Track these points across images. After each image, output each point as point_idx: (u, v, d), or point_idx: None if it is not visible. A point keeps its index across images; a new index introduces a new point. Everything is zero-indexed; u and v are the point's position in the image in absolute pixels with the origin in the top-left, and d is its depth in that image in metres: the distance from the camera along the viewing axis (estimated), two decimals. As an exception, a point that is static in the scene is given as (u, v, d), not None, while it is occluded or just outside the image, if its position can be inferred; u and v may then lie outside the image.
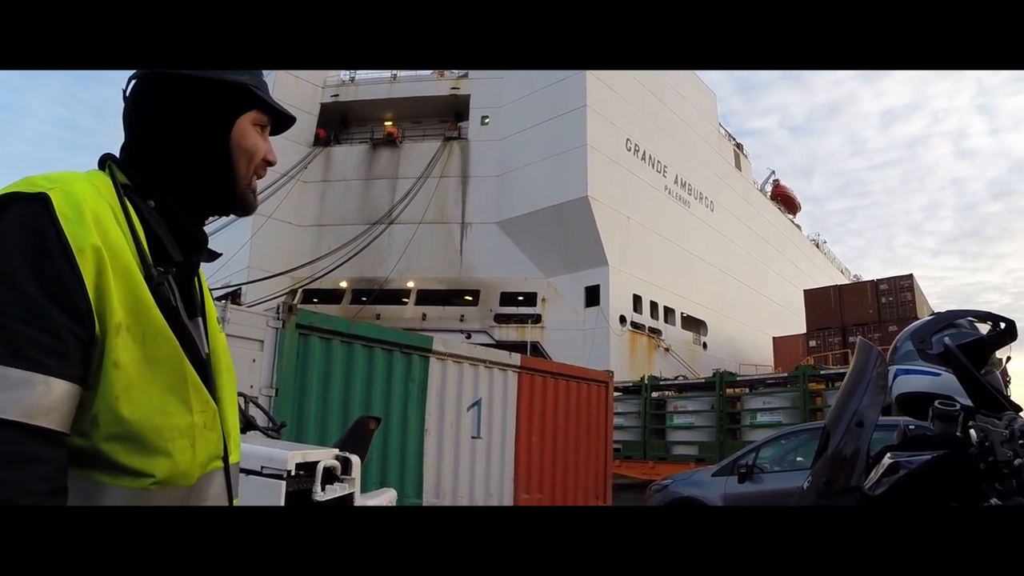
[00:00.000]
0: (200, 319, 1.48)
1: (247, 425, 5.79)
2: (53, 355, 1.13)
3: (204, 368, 1.40)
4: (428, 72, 48.95)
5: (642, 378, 24.44)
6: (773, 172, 67.12)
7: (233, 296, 30.30)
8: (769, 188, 63.66)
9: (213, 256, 1.61)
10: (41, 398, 1.11)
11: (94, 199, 1.27)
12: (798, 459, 11.52)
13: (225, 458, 1.43)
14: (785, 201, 64.78)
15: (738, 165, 53.07)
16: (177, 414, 1.26)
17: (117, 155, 1.46)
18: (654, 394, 23.30)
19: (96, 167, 1.44)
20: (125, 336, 1.20)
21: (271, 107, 1.58)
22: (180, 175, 1.47)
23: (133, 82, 1.48)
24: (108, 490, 1.21)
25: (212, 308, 1.58)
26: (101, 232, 1.22)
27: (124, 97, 1.47)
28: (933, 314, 3.33)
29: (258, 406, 7.24)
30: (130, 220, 1.31)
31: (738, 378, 22.42)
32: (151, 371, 1.24)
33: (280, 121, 1.64)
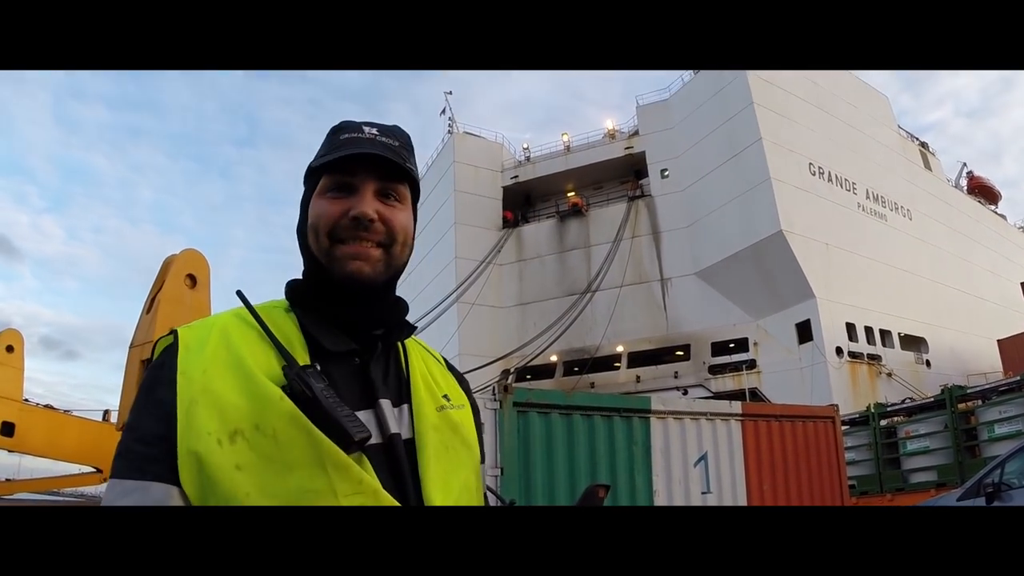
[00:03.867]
0: (386, 401, 1.50)
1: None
2: (153, 463, 1.30)
3: (392, 450, 1.44)
4: (599, 137, 49.47)
5: (868, 407, 23.41)
6: (965, 164, 62.86)
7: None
8: (964, 182, 59.60)
9: (409, 330, 1.66)
10: (144, 501, 1.29)
11: (231, 324, 1.47)
12: (1049, 468, 10.73)
13: None
14: (984, 192, 60.24)
15: (927, 165, 50.04)
16: (320, 501, 1.31)
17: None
18: (883, 422, 22.14)
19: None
20: (252, 436, 1.31)
21: (336, 161, 1.52)
22: (305, 276, 1.60)
23: None
24: None
25: (425, 387, 1.60)
26: (228, 350, 1.41)
27: None
28: None
29: (487, 488, 7.38)
30: (269, 332, 1.44)
31: (968, 391, 20.85)
32: (286, 463, 1.31)
33: (375, 163, 1.53)
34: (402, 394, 1.56)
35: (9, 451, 23.81)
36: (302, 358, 1.44)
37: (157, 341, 1.47)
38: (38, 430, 23.22)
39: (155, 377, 1.39)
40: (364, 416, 1.43)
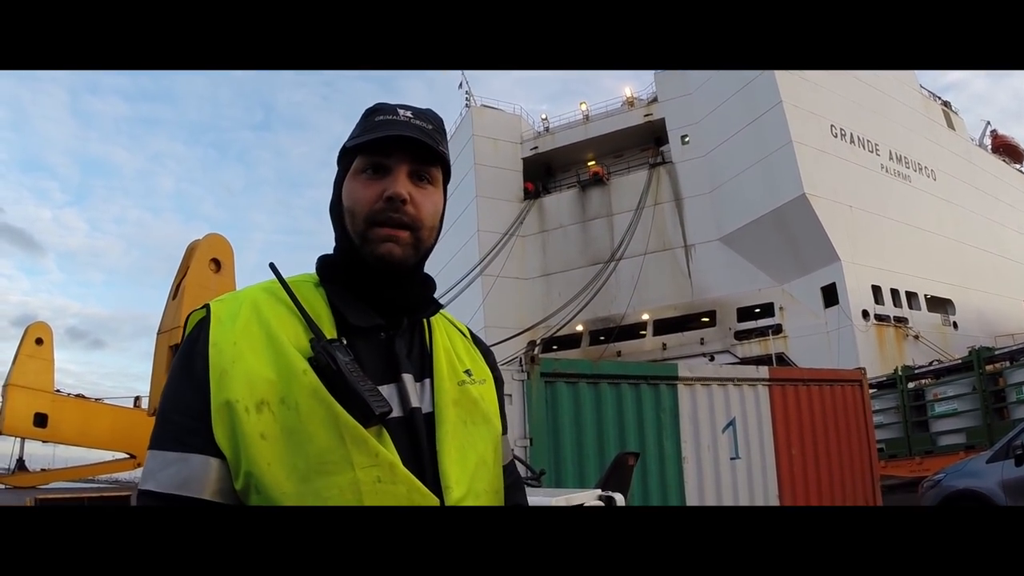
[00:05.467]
0: (408, 376, 1.54)
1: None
2: (193, 435, 1.36)
3: (411, 423, 1.48)
4: (618, 105, 49.22)
5: (895, 370, 23.30)
6: (989, 123, 61.43)
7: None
8: (988, 141, 58.23)
9: (436, 308, 1.69)
10: (183, 472, 1.34)
11: (260, 298, 1.50)
12: (1078, 429, 10.63)
13: None
14: (1009, 151, 59.02)
15: (950, 124, 49.00)
16: (336, 472, 1.35)
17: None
18: (910, 385, 22.06)
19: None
20: (278, 408, 1.36)
21: (371, 143, 1.54)
22: (336, 253, 1.64)
23: None
24: None
25: (447, 362, 1.64)
26: (259, 324, 1.45)
27: None
28: None
29: (516, 458, 7.39)
30: (299, 306, 1.48)
31: (996, 352, 20.74)
32: (307, 434, 1.36)
33: (409, 145, 1.54)
34: (424, 369, 1.60)
35: (43, 441, 24.16)
36: (329, 332, 1.48)
37: (189, 315, 1.51)
38: (71, 420, 23.52)
39: (190, 349, 1.44)
40: (387, 390, 1.47)
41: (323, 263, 1.63)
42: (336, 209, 1.61)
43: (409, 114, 1.59)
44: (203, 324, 1.46)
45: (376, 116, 1.59)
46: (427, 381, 1.58)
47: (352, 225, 1.55)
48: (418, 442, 1.48)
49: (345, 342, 1.46)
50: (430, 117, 1.62)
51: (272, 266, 1.58)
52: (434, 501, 1.43)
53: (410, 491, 1.40)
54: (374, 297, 1.56)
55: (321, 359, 1.40)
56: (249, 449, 1.34)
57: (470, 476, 1.53)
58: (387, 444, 1.41)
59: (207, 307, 1.49)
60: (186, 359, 1.43)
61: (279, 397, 1.37)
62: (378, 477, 1.38)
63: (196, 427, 1.36)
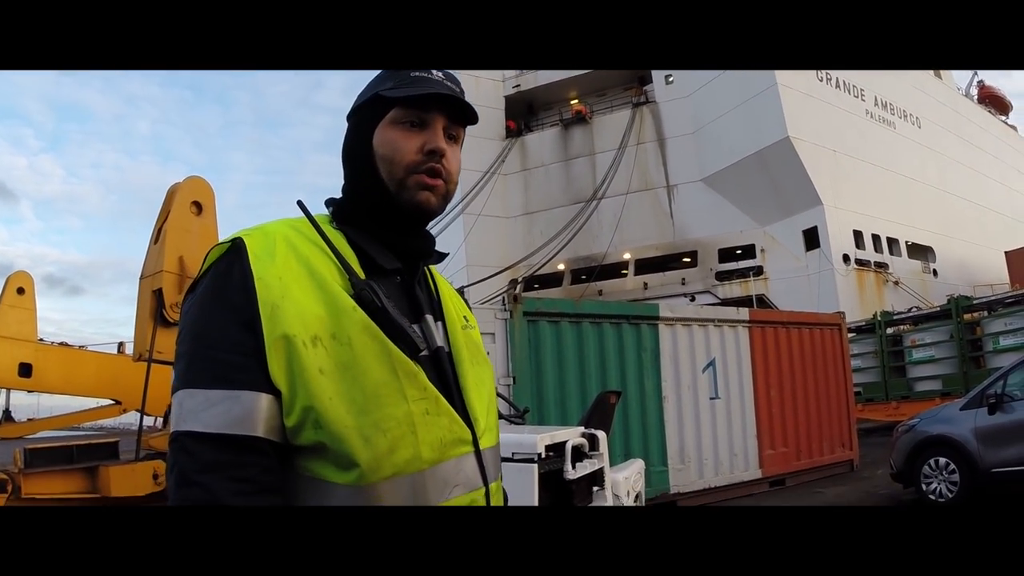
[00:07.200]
0: (430, 316, 1.61)
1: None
2: (242, 371, 1.33)
3: (438, 361, 1.56)
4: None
5: (874, 315, 23.54)
6: (976, 73, 60.83)
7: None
8: (975, 91, 58.24)
9: (440, 257, 1.75)
10: (235, 410, 1.31)
11: (291, 235, 1.49)
12: (1052, 381, 10.77)
13: (476, 443, 1.55)
14: (994, 102, 59.02)
15: (937, 73, 48.41)
16: (391, 404, 1.40)
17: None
18: (889, 330, 22.34)
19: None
20: (329, 344, 1.38)
21: (415, 97, 1.58)
22: (355, 197, 1.67)
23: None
24: (334, 487, 1.38)
25: (452, 308, 1.74)
26: (297, 260, 1.44)
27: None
28: None
29: (499, 395, 7.39)
30: (332, 245, 1.50)
31: (974, 301, 21.05)
32: (362, 368, 1.39)
33: (446, 103, 1.61)
34: (436, 312, 1.68)
35: (29, 391, 24.16)
36: (359, 271, 1.51)
37: (212, 249, 1.49)
38: (55, 368, 23.48)
39: (223, 284, 1.41)
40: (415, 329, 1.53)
41: (340, 206, 1.66)
42: (359, 154, 1.64)
43: (441, 75, 1.64)
44: (233, 258, 1.43)
45: (410, 71, 1.63)
46: (440, 323, 1.66)
47: (389, 172, 1.58)
48: (446, 378, 1.55)
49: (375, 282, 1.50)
50: (455, 80, 1.68)
51: (301, 204, 1.61)
52: (467, 433, 1.53)
53: (451, 423, 1.49)
54: (392, 243, 1.61)
55: (365, 296, 1.44)
56: (309, 384, 1.35)
57: (486, 410, 1.64)
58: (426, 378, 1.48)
59: (238, 240, 1.46)
60: (219, 293, 1.40)
61: (330, 333, 1.39)
62: (427, 409, 1.45)
63: (244, 363, 1.34)
